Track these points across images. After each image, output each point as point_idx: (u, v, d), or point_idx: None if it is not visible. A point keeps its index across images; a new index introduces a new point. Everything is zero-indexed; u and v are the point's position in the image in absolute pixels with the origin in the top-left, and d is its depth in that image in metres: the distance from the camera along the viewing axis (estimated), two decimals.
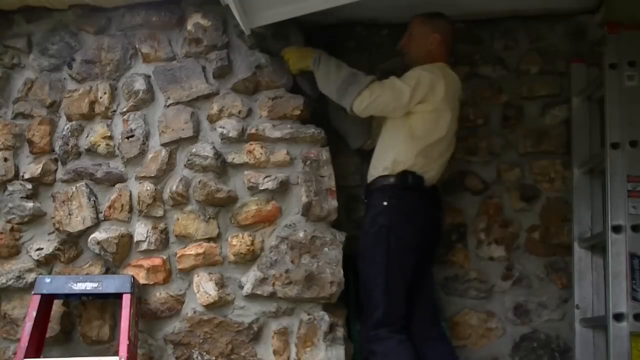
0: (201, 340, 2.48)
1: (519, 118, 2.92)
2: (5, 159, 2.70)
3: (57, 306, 2.53)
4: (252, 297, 2.47)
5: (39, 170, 2.65)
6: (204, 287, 2.50)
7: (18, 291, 2.60)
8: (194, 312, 2.51)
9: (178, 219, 2.57)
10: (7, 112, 2.77)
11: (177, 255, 2.55)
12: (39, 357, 2.38)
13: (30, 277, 2.58)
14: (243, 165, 2.56)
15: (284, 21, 2.54)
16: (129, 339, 2.29)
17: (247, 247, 2.49)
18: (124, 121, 2.66)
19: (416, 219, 2.51)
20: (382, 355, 2.40)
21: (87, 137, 2.67)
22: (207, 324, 2.49)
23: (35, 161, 2.70)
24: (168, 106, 2.66)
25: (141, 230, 2.56)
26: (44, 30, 2.80)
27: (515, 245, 2.85)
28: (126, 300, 2.36)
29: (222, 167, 2.55)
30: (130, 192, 2.61)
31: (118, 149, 2.65)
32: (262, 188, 2.51)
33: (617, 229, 2.40)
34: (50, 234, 2.64)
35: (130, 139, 2.63)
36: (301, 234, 2.49)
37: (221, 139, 2.58)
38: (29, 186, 2.66)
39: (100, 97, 2.69)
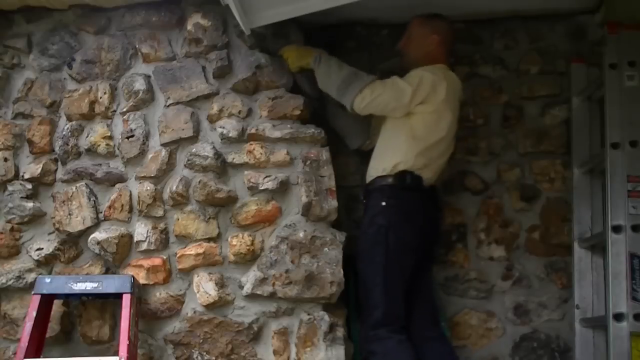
0: (201, 340, 2.48)
1: (519, 118, 2.92)
2: (5, 159, 2.70)
3: (57, 306, 2.53)
4: (252, 297, 2.47)
5: (39, 170, 2.65)
6: (204, 287, 2.50)
7: (18, 291, 2.60)
8: (194, 312, 2.51)
9: (178, 219, 2.57)
10: (7, 112, 2.77)
11: (177, 255, 2.55)
12: (39, 357, 2.38)
13: (30, 277, 2.58)
14: (243, 165, 2.56)
15: (284, 21, 2.54)
16: (129, 339, 2.29)
17: (247, 247, 2.49)
18: (124, 121, 2.66)
19: (415, 219, 2.52)
20: (382, 355, 2.40)
21: (87, 137, 2.67)
22: (207, 324, 2.49)
23: (35, 161, 2.70)
24: (168, 106, 2.66)
25: (141, 230, 2.56)
26: (44, 30, 2.80)
27: (515, 245, 2.85)
28: (126, 300, 2.36)
29: (222, 167, 2.55)
30: (130, 192, 2.61)
31: (118, 149, 2.65)
32: (262, 188, 2.51)
33: (617, 229, 2.40)
34: (50, 234, 2.64)
35: (130, 139, 2.63)
36: (301, 234, 2.49)
37: (221, 139, 2.58)
38: (29, 186, 2.66)
39: (100, 97, 2.69)
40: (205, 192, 2.53)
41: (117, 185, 2.62)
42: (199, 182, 2.54)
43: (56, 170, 2.68)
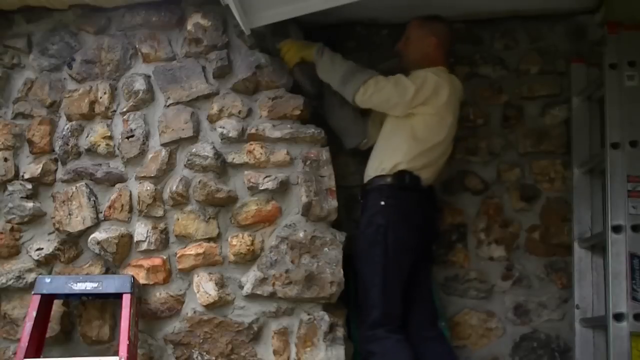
0: (201, 340, 2.48)
1: (519, 118, 2.92)
2: (5, 159, 2.70)
3: (57, 306, 2.53)
4: (252, 297, 2.47)
5: (39, 170, 2.65)
6: (204, 287, 2.50)
7: (18, 291, 2.60)
8: (194, 312, 2.51)
9: (178, 219, 2.57)
10: (7, 112, 2.77)
11: (177, 255, 2.55)
12: (39, 357, 2.38)
13: (30, 277, 2.58)
14: (243, 165, 2.56)
15: (284, 21, 2.54)
16: (129, 339, 2.29)
17: (247, 247, 2.49)
18: (124, 121, 2.66)
19: (413, 219, 2.52)
20: (380, 355, 2.40)
21: (87, 137, 2.67)
22: (207, 324, 2.49)
23: (35, 161, 2.70)
24: (168, 106, 2.66)
25: (141, 230, 2.56)
26: (44, 30, 2.80)
27: (515, 245, 2.85)
28: (126, 300, 2.35)
29: (222, 167, 2.55)
30: (130, 192, 2.61)
31: (118, 149, 2.65)
32: (262, 188, 2.51)
33: (617, 229, 2.40)
34: (50, 234, 2.64)
35: (130, 139, 2.63)
36: (301, 234, 2.49)
37: (221, 139, 2.58)
38: (29, 186, 2.66)
39: (100, 97, 2.69)
40: (205, 192, 2.53)
41: (117, 185, 2.62)
42: (199, 182, 2.54)
43: (56, 170, 2.68)
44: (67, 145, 2.67)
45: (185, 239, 2.56)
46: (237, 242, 2.51)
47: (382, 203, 2.51)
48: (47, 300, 2.45)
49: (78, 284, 2.42)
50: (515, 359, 2.78)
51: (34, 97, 2.75)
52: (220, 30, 2.66)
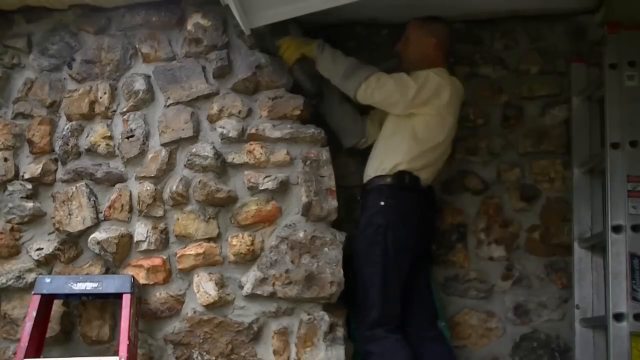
0: (201, 340, 2.48)
1: (519, 118, 2.92)
2: (5, 159, 2.70)
3: (57, 306, 2.53)
4: (252, 297, 2.47)
5: (39, 170, 2.65)
6: (204, 287, 2.50)
7: (18, 291, 2.60)
8: (194, 312, 2.51)
9: (178, 219, 2.57)
10: (7, 112, 2.77)
11: (177, 255, 2.55)
12: (39, 357, 2.38)
13: (30, 277, 2.58)
14: (243, 165, 2.56)
15: (284, 20, 2.54)
16: (129, 339, 2.29)
17: (247, 247, 2.49)
18: (124, 121, 2.66)
19: (412, 219, 2.53)
20: (379, 355, 2.41)
21: (87, 137, 2.67)
22: (207, 324, 2.49)
23: (35, 161, 2.69)
24: (168, 106, 2.66)
25: (141, 230, 2.56)
26: (44, 30, 2.80)
27: (515, 245, 2.85)
28: (126, 300, 2.35)
29: (222, 167, 2.55)
30: (130, 192, 2.61)
31: (118, 149, 2.65)
32: (262, 188, 2.51)
33: (617, 229, 2.40)
34: (50, 234, 2.64)
35: (130, 139, 2.63)
36: (301, 234, 2.49)
37: (221, 139, 2.58)
38: (29, 186, 2.66)
39: (100, 97, 2.69)
40: (205, 192, 2.53)
41: (117, 185, 2.62)
42: (199, 182, 2.54)
43: (56, 170, 2.68)
44: (67, 145, 2.67)
45: (185, 239, 2.56)
46: (237, 242, 2.51)
47: (382, 203, 2.51)
48: (47, 300, 2.45)
49: (78, 284, 2.42)
50: (515, 359, 2.78)
51: (34, 97, 2.75)
52: (220, 30, 2.66)
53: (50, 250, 2.59)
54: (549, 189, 2.86)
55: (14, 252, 2.64)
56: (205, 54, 2.66)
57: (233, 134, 2.57)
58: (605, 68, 2.54)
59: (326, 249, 2.48)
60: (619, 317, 2.34)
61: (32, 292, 2.41)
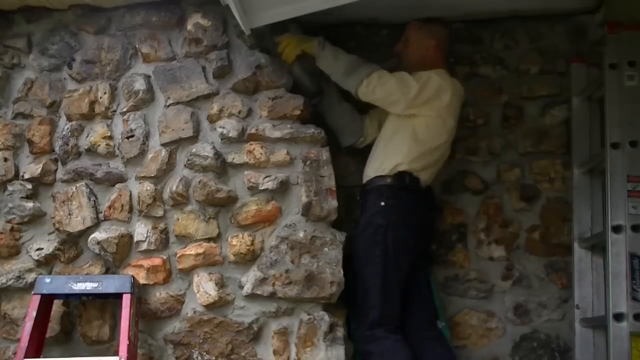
0: (201, 340, 2.48)
1: (519, 118, 2.92)
2: (5, 159, 2.70)
3: (57, 306, 2.53)
4: (252, 297, 2.47)
5: (39, 170, 2.65)
6: (204, 287, 2.50)
7: (18, 291, 2.60)
8: (194, 312, 2.51)
9: (178, 219, 2.57)
10: (7, 112, 2.77)
11: (177, 255, 2.55)
12: (39, 357, 2.38)
13: (30, 277, 2.58)
14: (243, 165, 2.56)
15: (284, 20, 2.54)
16: (129, 339, 2.29)
17: (247, 247, 2.49)
18: (124, 121, 2.66)
19: (412, 219, 2.53)
20: (379, 356, 2.41)
21: (87, 137, 2.67)
22: (207, 324, 2.49)
23: (35, 161, 2.69)
24: (168, 106, 2.66)
25: (141, 230, 2.56)
26: (44, 30, 2.80)
27: (515, 245, 2.85)
28: (126, 300, 2.35)
29: (222, 167, 2.55)
30: (130, 192, 2.61)
31: (118, 149, 2.65)
32: (262, 188, 2.51)
33: (617, 229, 2.40)
34: (50, 234, 2.64)
35: (130, 139, 2.63)
36: (301, 234, 2.49)
37: (221, 139, 2.58)
38: (29, 186, 2.66)
39: (100, 97, 2.69)
40: (205, 192, 2.53)
41: (117, 185, 2.62)
42: (199, 182, 2.54)
43: (56, 170, 2.68)
44: (67, 145, 2.67)
45: (185, 239, 2.56)
46: (237, 242, 2.51)
47: (382, 203, 2.51)
48: (47, 300, 2.45)
49: (78, 284, 2.42)
50: (515, 359, 2.78)
51: (34, 97, 2.75)
52: (220, 30, 2.66)
53: (50, 250, 2.59)
54: (549, 189, 2.86)
55: (14, 252, 2.64)
56: (205, 54, 2.66)
57: (233, 134, 2.57)
58: (605, 68, 2.54)
59: (326, 249, 2.48)
60: (619, 317, 2.34)
61: (32, 292, 2.41)
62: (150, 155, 2.61)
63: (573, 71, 2.82)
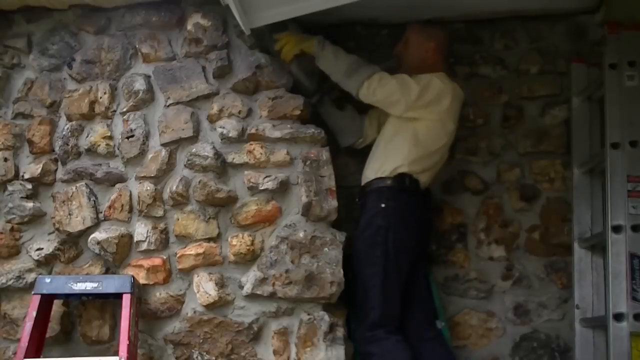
0: (201, 340, 2.48)
1: (519, 118, 2.92)
2: (5, 159, 2.70)
3: (57, 306, 2.53)
4: (252, 297, 2.47)
5: (39, 170, 2.65)
6: (204, 287, 2.50)
7: (18, 291, 2.60)
8: (194, 312, 2.51)
9: (178, 219, 2.57)
10: (7, 112, 2.77)
11: (177, 255, 2.55)
12: (39, 357, 2.38)
13: (30, 277, 2.58)
14: (243, 165, 2.56)
15: (284, 20, 2.54)
16: (129, 339, 2.29)
17: (247, 247, 2.49)
18: (124, 121, 2.66)
19: (412, 221, 2.54)
20: (380, 356, 2.41)
21: (87, 137, 2.67)
22: (207, 324, 2.49)
23: (35, 161, 2.70)
24: (168, 106, 2.66)
25: (141, 230, 2.56)
26: (44, 30, 2.80)
27: (515, 245, 2.85)
28: (126, 300, 2.35)
29: (222, 167, 2.55)
30: (130, 192, 2.61)
31: (118, 149, 2.65)
32: (262, 188, 2.51)
33: (617, 229, 2.40)
34: (50, 234, 2.64)
35: (130, 139, 2.63)
36: (301, 234, 2.49)
37: (221, 139, 2.58)
38: (29, 186, 2.66)
39: (100, 97, 2.69)
40: (205, 192, 2.53)
41: (117, 185, 2.62)
42: (199, 182, 2.54)
43: (56, 170, 2.68)
44: (67, 145, 2.67)
45: (185, 239, 2.56)
46: (237, 242, 2.51)
47: (382, 205, 2.51)
48: (47, 300, 2.45)
49: (78, 284, 2.42)
50: (515, 359, 2.78)
51: (34, 97, 2.75)
52: (220, 30, 2.66)
53: (50, 250, 2.59)
54: (549, 189, 2.86)
55: (14, 252, 2.64)
56: (205, 54, 2.66)
57: (233, 134, 2.57)
58: (605, 68, 2.54)
59: (326, 249, 2.48)
60: (619, 317, 2.34)
61: (32, 292, 2.41)
62: (150, 155, 2.61)
63: (573, 71, 2.82)
